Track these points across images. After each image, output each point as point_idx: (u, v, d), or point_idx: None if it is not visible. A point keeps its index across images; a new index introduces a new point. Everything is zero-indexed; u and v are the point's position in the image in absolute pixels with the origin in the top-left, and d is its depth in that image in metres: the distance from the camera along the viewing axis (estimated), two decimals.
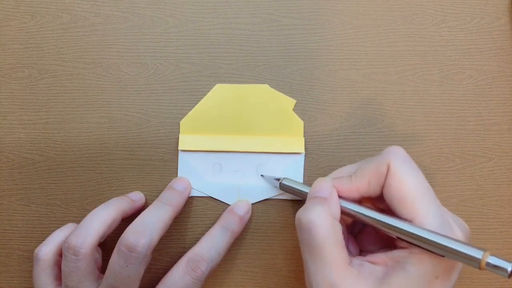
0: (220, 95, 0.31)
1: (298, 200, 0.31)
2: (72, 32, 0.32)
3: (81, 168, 0.32)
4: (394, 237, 0.23)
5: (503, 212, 0.31)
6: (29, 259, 0.32)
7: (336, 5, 0.32)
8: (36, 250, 0.28)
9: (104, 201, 0.29)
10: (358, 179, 0.25)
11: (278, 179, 0.30)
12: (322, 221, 0.23)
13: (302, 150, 0.31)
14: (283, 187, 0.29)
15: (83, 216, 0.30)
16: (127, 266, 0.25)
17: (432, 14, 0.32)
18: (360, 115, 0.31)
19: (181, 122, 0.31)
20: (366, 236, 0.28)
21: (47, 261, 0.28)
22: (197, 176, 0.31)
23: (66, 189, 0.32)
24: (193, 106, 0.31)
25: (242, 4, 0.32)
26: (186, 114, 0.31)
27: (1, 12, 0.32)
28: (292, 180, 0.29)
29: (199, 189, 0.31)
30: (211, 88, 0.32)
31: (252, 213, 0.31)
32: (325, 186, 0.26)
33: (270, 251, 0.31)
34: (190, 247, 0.29)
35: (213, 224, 0.30)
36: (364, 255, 0.25)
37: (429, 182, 0.31)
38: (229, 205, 0.31)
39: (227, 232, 0.29)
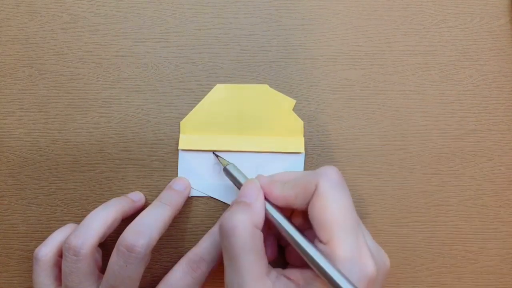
0: (220, 95, 0.31)
1: None
2: (72, 32, 0.32)
3: (81, 168, 0.32)
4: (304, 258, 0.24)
5: (503, 212, 0.31)
6: (29, 259, 0.32)
7: (336, 5, 0.32)
8: (36, 251, 0.28)
9: (104, 201, 0.29)
10: (287, 189, 0.25)
11: (223, 164, 0.29)
12: (241, 229, 0.23)
13: (302, 150, 0.31)
14: (226, 173, 0.29)
15: (83, 216, 0.30)
16: (126, 266, 0.25)
17: (432, 14, 0.32)
18: (360, 115, 0.31)
19: (181, 122, 0.31)
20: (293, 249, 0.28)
21: (47, 262, 0.28)
22: (197, 176, 0.31)
23: (66, 189, 0.32)
24: (193, 106, 0.31)
25: (242, 4, 0.32)
26: (186, 114, 0.31)
27: (1, 12, 0.32)
28: (237, 168, 0.29)
29: (199, 189, 0.31)
30: (211, 88, 0.32)
31: None
32: (252, 190, 0.26)
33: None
34: (190, 247, 0.29)
35: (213, 224, 0.30)
36: (284, 268, 0.25)
37: (429, 182, 0.31)
38: (229, 205, 0.31)
39: None
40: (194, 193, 0.31)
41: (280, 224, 0.25)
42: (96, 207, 0.28)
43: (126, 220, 0.29)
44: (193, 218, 0.31)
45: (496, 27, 0.32)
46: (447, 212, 0.31)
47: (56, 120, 0.32)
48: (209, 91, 0.32)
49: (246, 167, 0.31)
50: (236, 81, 0.32)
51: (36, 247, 0.29)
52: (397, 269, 0.31)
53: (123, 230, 0.26)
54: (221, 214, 0.31)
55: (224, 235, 0.24)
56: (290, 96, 0.31)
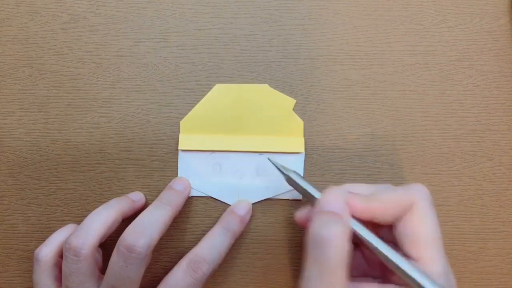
0: (220, 95, 0.31)
1: (297, 200, 0.31)
2: (72, 32, 0.32)
3: (81, 168, 0.32)
4: (394, 272, 0.23)
5: (503, 212, 0.31)
6: (29, 259, 0.32)
7: (336, 5, 0.32)
8: (36, 251, 0.28)
9: (104, 201, 0.29)
10: (376, 202, 0.24)
11: (285, 172, 0.28)
12: (339, 242, 0.22)
13: (302, 149, 0.31)
14: (291, 182, 0.28)
15: (83, 216, 0.30)
16: (127, 266, 0.25)
17: (432, 14, 0.32)
18: (360, 115, 0.31)
19: (181, 122, 0.31)
20: (360, 260, 0.27)
21: (47, 262, 0.28)
22: (197, 176, 0.31)
23: (66, 189, 0.32)
24: (193, 106, 0.31)
25: (242, 4, 0.32)
26: (186, 114, 0.31)
27: (1, 12, 0.32)
28: (301, 176, 0.28)
29: (199, 189, 0.31)
30: (211, 88, 0.32)
31: (252, 213, 0.31)
32: (338, 200, 0.25)
33: (270, 251, 0.31)
34: (190, 247, 0.29)
35: (213, 224, 0.30)
36: (355, 281, 0.24)
37: (429, 182, 0.31)
38: (229, 205, 0.31)
39: (227, 233, 0.29)
40: (194, 193, 0.31)
41: (365, 237, 0.24)
42: (96, 207, 0.28)
43: (126, 220, 0.29)
44: (193, 218, 0.31)
45: (496, 27, 0.32)
46: (447, 212, 0.31)
47: (56, 120, 0.32)
48: (209, 91, 0.32)
49: (246, 167, 0.31)
50: (236, 81, 0.32)
51: (36, 247, 0.29)
52: None
53: (123, 230, 0.26)
54: (220, 214, 0.31)
55: (318, 244, 0.22)
56: (291, 96, 0.31)
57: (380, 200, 0.24)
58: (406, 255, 0.23)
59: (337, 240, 0.22)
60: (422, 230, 0.23)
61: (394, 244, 0.24)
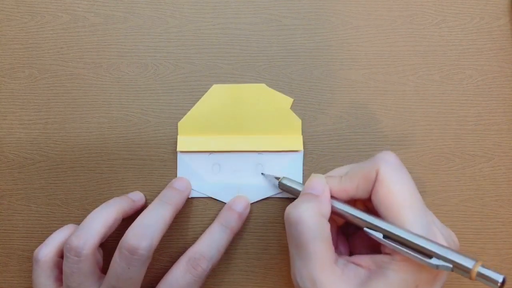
0: (217, 96, 0.31)
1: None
2: (72, 32, 0.32)
3: (81, 168, 0.32)
4: (379, 241, 0.23)
5: (503, 212, 0.31)
6: (29, 259, 0.32)
7: (336, 5, 0.32)
8: (36, 251, 0.28)
9: (104, 201, 0.29)
10: (347, 181, 0.26)
11: (278, 178, 0.30)
12: (309, 217, 0.24)
13: (301, 148, 0.31)
14: (282, 187, 0.29)
15: (83, 216, 0.30)
16: (129, 268, 0.25)
17: (432, 14, 0.32)
18: (360, 115, 0.31)
19: (179, 124, 0.31)
20: (358, 239, 0.28)
21: (47, 263, 0.28)
22: (196, 177, 0.31)
23: (66, 189, 0.32)
24: (193, 106, 0.31)
25: (242, 4, 0.32)
26: (186, 114, 0.31)
27: (1, 12, 0.32)
28: (291, 179, 0.29)
29: (199, 190, 0.31)
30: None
31: (252, 212, 0.31)
32: (318, 183, 0.26)
33: (270, 251, 0.31)
34: (190, 247, 0.29)
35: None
36: (350, 255, 0.25)
37: (429, 182, 0.31)
38: (225, 204, 0.31)
39: (226, 229, 0.29)
40: (194, 194, 0.31)
41: (349, 212, 0.25)
42: (96, 207, 0.28)
43: (127, 219, 0.29)
44: (193, 218, 0.31)
45: (496, 27, 0.32)
46: (447, 212, 0.31)
47: (56, 120, 0.32)
48: None
49: (245, 167, 0.31)
50: (237, 81, 0.32)
51: (36, 247, 0.29)
52: None
53: (123, 230, 0.26)
54: None
55: (292, 223, 0.24)
56: (291, 96, 0.31)
57: (350, 178, 0.25)
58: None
59: (307, 216, 0.24)
60: (391, 196, 0.23)
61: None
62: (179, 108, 0.32)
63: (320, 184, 0.26)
